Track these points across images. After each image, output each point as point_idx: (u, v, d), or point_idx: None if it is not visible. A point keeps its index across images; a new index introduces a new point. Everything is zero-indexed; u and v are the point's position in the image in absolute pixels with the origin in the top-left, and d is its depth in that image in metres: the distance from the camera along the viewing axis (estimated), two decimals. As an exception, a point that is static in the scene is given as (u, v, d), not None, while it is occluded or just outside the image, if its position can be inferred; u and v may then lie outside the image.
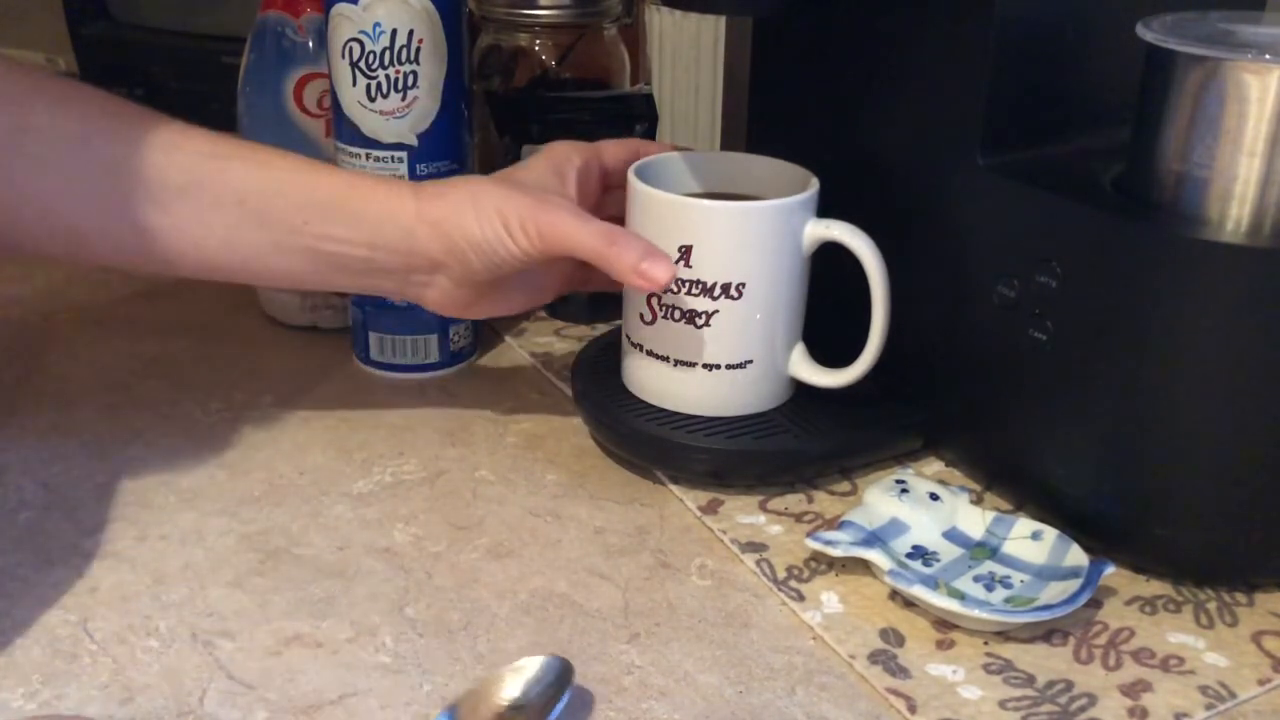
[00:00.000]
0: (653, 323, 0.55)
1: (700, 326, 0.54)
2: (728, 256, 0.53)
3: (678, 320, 0.54)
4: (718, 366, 0.54)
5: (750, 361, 0.55)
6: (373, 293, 0.57)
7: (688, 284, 0.53)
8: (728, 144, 0.69)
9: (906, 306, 0.56)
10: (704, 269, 0.53)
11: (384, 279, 0.55)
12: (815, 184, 0.55)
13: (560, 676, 0.42)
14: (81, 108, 0.52)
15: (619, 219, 0.55)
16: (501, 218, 0.52)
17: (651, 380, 0.56)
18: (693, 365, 0.55)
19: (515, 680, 0.42)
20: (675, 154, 0.59)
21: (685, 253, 0.53)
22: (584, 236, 0.52)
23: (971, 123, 0.51)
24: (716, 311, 0.53)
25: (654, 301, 0.54)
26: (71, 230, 0.52)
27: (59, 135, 0.51)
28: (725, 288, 0.53)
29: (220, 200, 0.52)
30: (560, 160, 0.57)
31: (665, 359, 0.55)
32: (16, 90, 0.51)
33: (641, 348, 0.56)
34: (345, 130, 0.61)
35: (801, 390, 0.58)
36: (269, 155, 0.54)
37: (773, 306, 0.54)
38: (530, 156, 0.58)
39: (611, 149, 0.59)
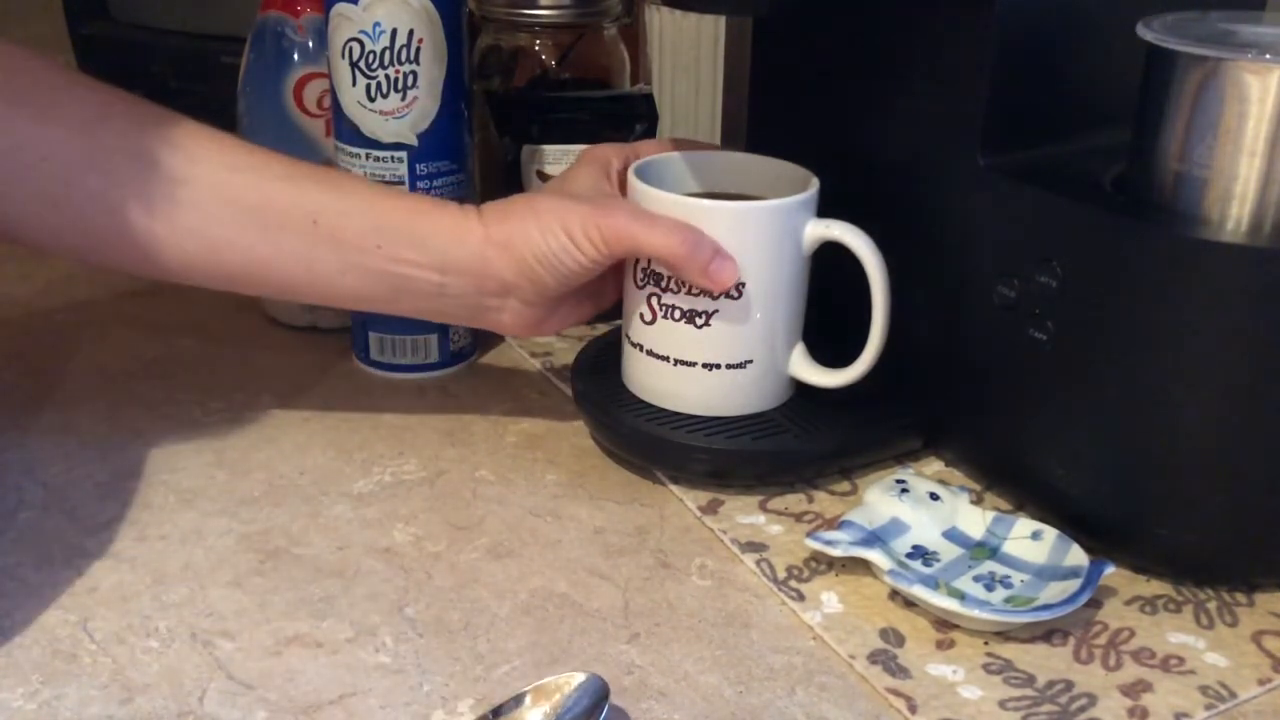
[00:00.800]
0: (653, 323, 0.55)
1: (700, 326, 0.54)
2: None
3: (678, 320, 0.54)
4: (718, 366, 0.54)
5: (750, 361, 0.55)
6: (444, 320, 0.57)
7: (687, 283, 0.53)
8: (728, 144, 0.68)
9: (906, 306, 0.56)
10: None
11: (455, 304, 0.55)
12: (815, 184, 0.54)
13: (597, 698, 0.41)
14: (156, 128, 0.53)
15: None
16: (565, 228, 0.52)
17: (652, 380, 0.56)
18: (693, 365, 0.55)
19: (548, 701, 0.41)
20: (676, 154, 0.59)
21: None
22: (652, 237, 0.52)
23: (971, 123, 0.51)
24: (716, 311, 0.53)
25: (654, 301, 0.54)
26: (143, 245, 0.52)
27: (133, 154, 0.51)
28: None
29: (293, 221, 0.53)
30: (604, 163, 0.57)
31: (665, 359, 0.55)
32: (91, 112, 0.52)
33: (641, 347, 0.56)
34: (345, 130, 0.61)
35: (801, 390, 0.58)
36: (340, 177, 0.55)
37: (772, 306, 0.54)
38: (570, 166, 0.58)
39: (648, 149, 0.59)
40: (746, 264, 0.53)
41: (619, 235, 0.52)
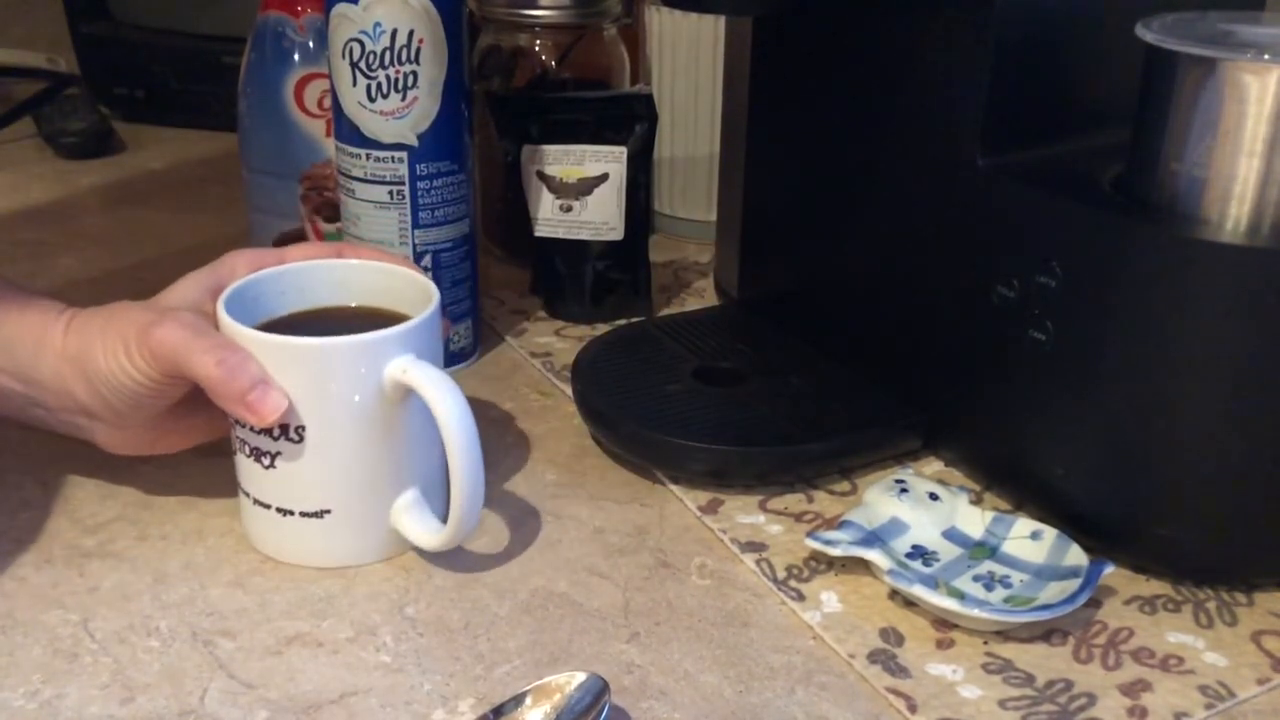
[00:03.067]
0: (235, 455, 0.50)
1: (267, 467, 0.48)
2: None
3: (248, 456, 0.49)
4: (291, 513, 0.49)
5: (328, 511, 0.49)
6: (54, 430, 0.52)
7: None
8: (728, 144, 0.69)
9: (907, 306, 0.56)
10: None
11: (50, 418, 0.51)
12: (417, 318, 0.48)
13: (597, 697, 0.41)
14: None
15: None
16: (124, 344, 0.47)
17: (242, 515, 0.51)
18: (268, 508, 0.49)
19: (548, 700, 0.41)
20: (304, 264, 0.52)
21: None
22: (191, 357, 0.46)
23: (971, 123, 0.51)
24: (279, 453, 0.48)
25: (234, 432, 0.49)
26: None
27: None
28: (284, 429, 0.47)
29: None
30: (224, 273, 0.51)
31: (248, 496, 0.50)
32: None
33: (237, 478, 0.51)
34: (345, 130, 0.61)
35: (801, 390, 0.58)
36: None
37: (346, 454, 0.48)
38: (203, 268, 0.52)
39: (298, 253, 0.53)
40: (305, 405, 0.47)
41: (163, 350, 0.46)
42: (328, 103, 0.65)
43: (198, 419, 0.51)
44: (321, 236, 0.68)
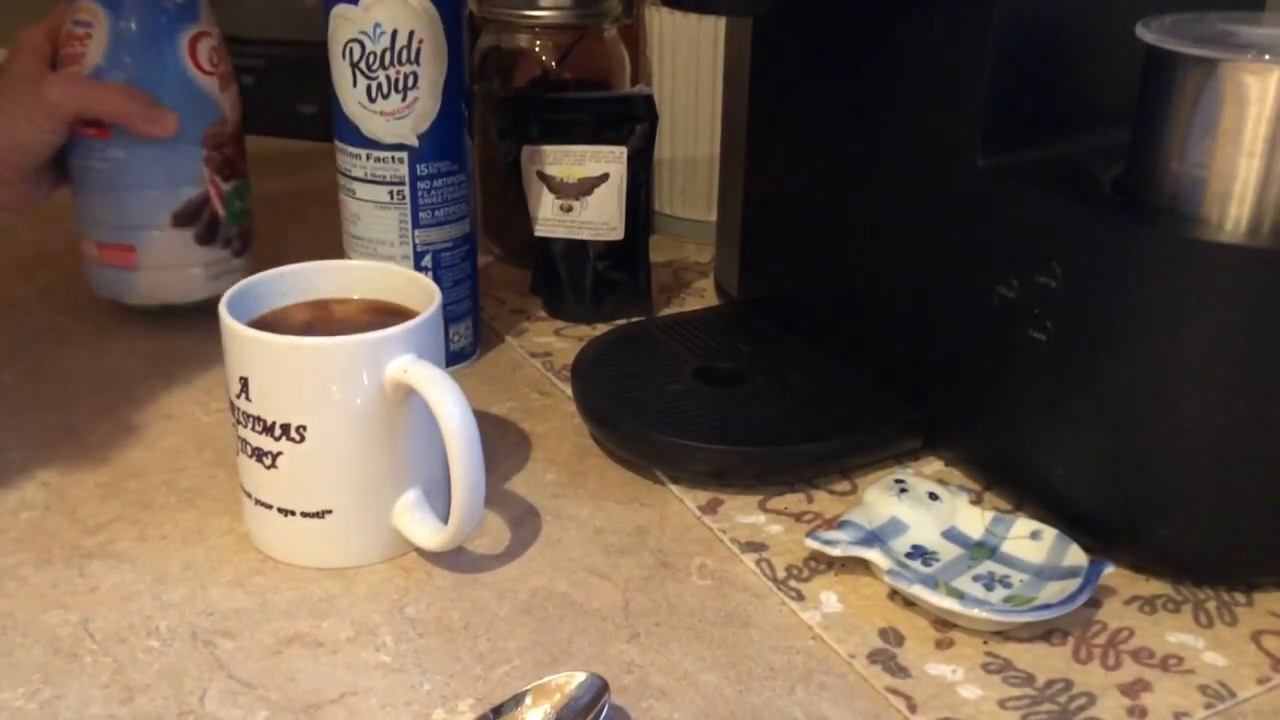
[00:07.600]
0: (238, 454, 0.50)
1: (269, 467, 0.48)
2: (282, 395, 0.47)
3: (250, 456, 0.49)
4: (293, 513, 0.49)
5: (330, 511, 0.49)
6: None
7: (251, 419, 0.48)
8: (728, 144, 0.69)
9: (907, 306, 0.56)
10: (262, 405, 0.47)
11: None
12: (416, 319, 0.49)
13: (597, 697, 0.41)
14: None
15: None
16: (22, 112, 0.61)
17: (245, 516, 0.52)
18: (270, 508, 0.49)
19: (548, 700, 0.41)
20: (315, 264, 0.53)
21: (244, 385, 0.48)
22: (95, 98, 0.62)
23: (971, 123, 0.51)
24: (281, 453, 0.48)
25: (235, 433, 0.50)
26: None
27: None
28: (285, 429, 0.47)
29: None
30: (38, 44, 0.64)
31: (249, 496, 0.50)
32: None
33: (239, 479, 0.51)
34: (346, 131, 0.61)
35: (801, 390, 0.58)
36: None
37: (347, 454, 0.48)
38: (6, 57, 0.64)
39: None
40: (305, 405, 0.47)
41: (66, 106, 0.61)
42: (218, 59, 0.66)
43: (52, 172, 0.66)
44: (222, 196, 0.67)
